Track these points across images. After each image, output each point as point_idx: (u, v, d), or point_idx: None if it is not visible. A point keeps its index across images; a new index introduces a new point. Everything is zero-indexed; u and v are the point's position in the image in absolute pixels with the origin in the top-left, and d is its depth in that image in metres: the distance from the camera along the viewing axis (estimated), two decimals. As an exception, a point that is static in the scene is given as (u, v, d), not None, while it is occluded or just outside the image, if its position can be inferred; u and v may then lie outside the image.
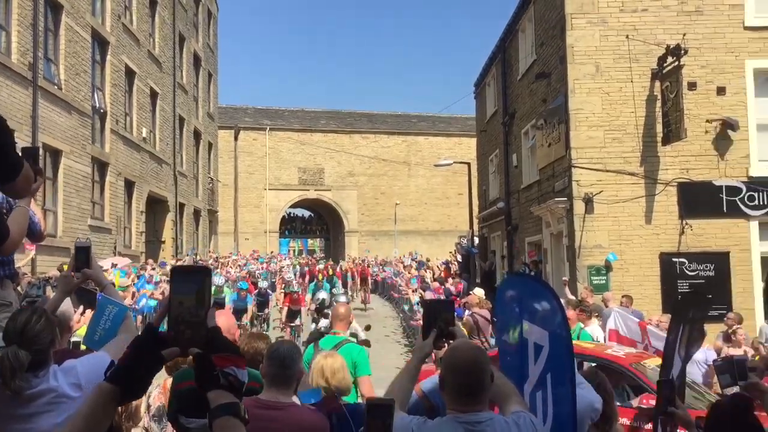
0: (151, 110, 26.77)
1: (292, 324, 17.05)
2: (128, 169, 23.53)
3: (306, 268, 31.23)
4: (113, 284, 3.82)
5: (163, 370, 5.21)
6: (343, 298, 11.04)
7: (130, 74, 24.07)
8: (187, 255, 27.08)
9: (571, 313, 9.81)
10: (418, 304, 18.49)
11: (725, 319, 11.56)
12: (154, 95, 26.82)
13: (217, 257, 30.77)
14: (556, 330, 3.17)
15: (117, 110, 22.72)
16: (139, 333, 1.64)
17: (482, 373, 2.69)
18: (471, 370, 2.68)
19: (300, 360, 3.60)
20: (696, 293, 12.06)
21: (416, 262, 35.10)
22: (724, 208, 14.85)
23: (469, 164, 27.96)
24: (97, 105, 21.35)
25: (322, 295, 12.57)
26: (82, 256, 3.16)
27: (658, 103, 14.93)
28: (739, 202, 14.84)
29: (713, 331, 11.26)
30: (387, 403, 2.36)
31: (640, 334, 9.86)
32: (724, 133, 14.88)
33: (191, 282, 1.54)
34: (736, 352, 9.12)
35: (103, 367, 2.71)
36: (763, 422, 2.87)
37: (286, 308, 17.67)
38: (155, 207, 27.33)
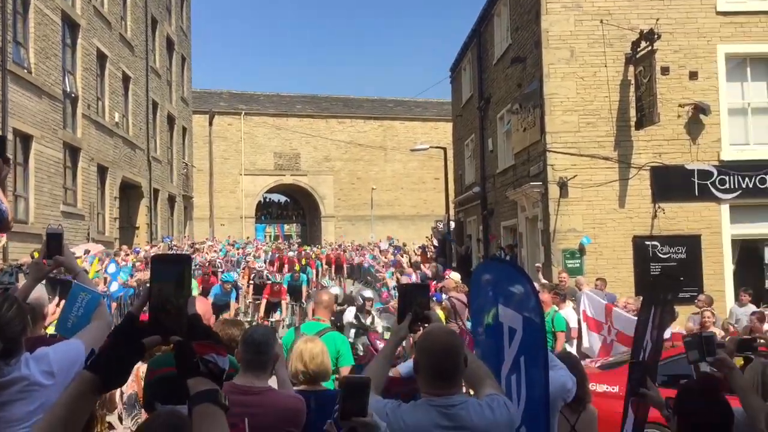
0: (124, 94, 26.39)
1: (271, 320, 15.27)
2: (101, 154, 23.21)
3: (275, 255, 28.40)
4: (86, 271, 3.79)
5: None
6: (369, 293, 10.80)
7: (101, 58, 23.68)
8: (162, 241, 26.83)
9: (546, 297, 9.90)
10: (395, 288, 18.55)
11: (696, 301, 11.77)
12: (126, 79, 26.42)
13: (193, 243, 30.54)
14: (530, 315, 3.20)
15: (89, 95, 22.36)
16: (117, 321, 1.63)
17: (456, 357, 2.71)
18: (445, 354, 2.70)
19: (275, 344, 3.60)
20: (668, 276, 12.31)
21: (393, 247, 35.14)
22: (696, 192, 15.06)
23: (445, 149, 28.01)
24: (68, 89, 20.99)
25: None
26: (54, 242, 3.13)
27: (632, 88, 15.06)
28: (710, 186, 15.07)
29: (684, 313, 11.47)
30: (362, 381, 2.37)
31: (604, 315, 10.02)
32: (696, 118, 15.07)
33: (171, 270, 1.54)
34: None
35: (75, 355, 2.70)
36: (729, 400, 2.93)
37: (264, 301, 15.67)
38: (129, 193, 27.02)
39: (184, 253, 18.19)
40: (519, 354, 3.25)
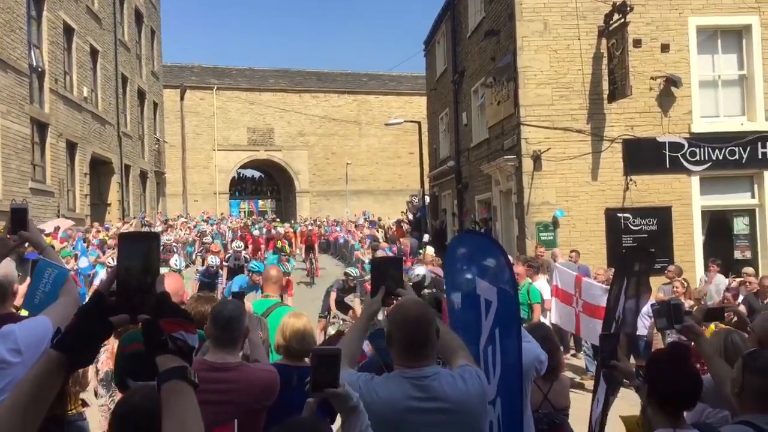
0: (92, 69, 25.87)
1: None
2: (70, 129, 22.79)
3: (238, 234, 26.38)
4: (53, 247, 3.72)
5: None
6: (421, 270, 10.05)
7: (68, 31, 23.15)
8: (134, 218, 26.54)
9: (520, 269, 10.02)
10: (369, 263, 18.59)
11: (666, 272, 11.96)
12: (94, 53, 25.89)
13: (166, 219, 30.27)
14: (505, 286, 3.21)
15: (56, 69, 21.88)
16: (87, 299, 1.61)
17: (427, 329, 2.72)
18: (416, 326, 2.70)
19: (245, 319, 3.57)
20: (639, 248, 12.45)
21: (368, 221, 35.16)
22: (667, 164, 15.22)
23: (419, 123, 27.94)
24: (35, 63, 20.51)
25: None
26: (18, 218, 3.06)
27: (605, 61, 15.10)
28: (681, 158, 15.23)
29: (655, 284, 11.62)
30: (333, 353, 2.37)
31: (574, 287, 10.15)
32: (668, 90, 15.17)
33: (139, 248, 1.53)
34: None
35: (42, 332, 2.66)
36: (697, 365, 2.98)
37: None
38: (99, 169, 26.62)
39: (152, 231, 18.00)
40: (494, 325, 3.28)
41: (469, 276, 3.53)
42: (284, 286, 13.34)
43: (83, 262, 15.25)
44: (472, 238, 3.87)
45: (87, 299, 1.60)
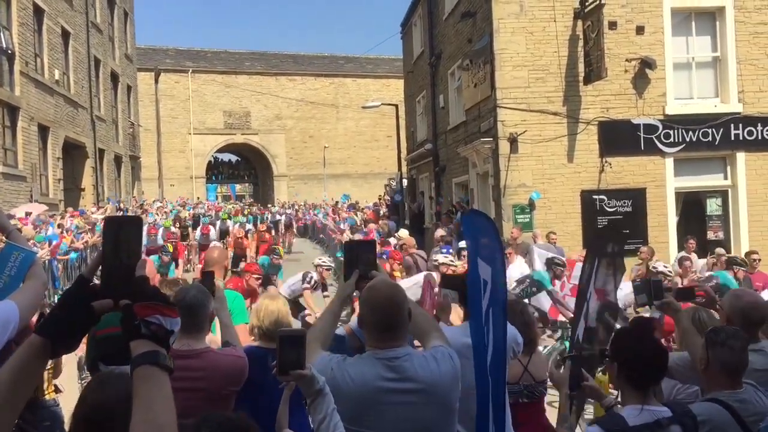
0: (64, 51, 25.41)
1: None
2: (41, 113, 22.42)
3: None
4: (20, 230, 3.66)
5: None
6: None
7: (38, 12, 22.69)
8: (108, 203, 26.24)
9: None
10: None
11: (639, 252, 12.11)
12: (66, 35, 25.42)
13: (141, 204, 29.96)
14: (497, 265, 3.22)
15: (26, 51, 21.46)
16: (65, 284, 1.58)
17: (399, 310, 2.72)
18: (388, 307, 2.71)
19: (209, 303, 3.53)
20: (611, 229, 12.57)
21: (346, 204, 35.12)
22: (642, 146, 15.34)
23: (396, 106, 27.87)
24: (4, 45, 20.07)
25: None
26: None
27: (580, 43, 15.14)
28: (655, 140, 15.36)
29: (629, 264, 11.75)
30: (297, 333, 2.37)
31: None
32: (643, 72, 15.26)
33: (123, 232, 1.50)
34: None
35: (7, 316, 2.61)
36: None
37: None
38: (73, 153, 26.24)
39: (135, 215, 17.78)
40: (489, 305, 3.28)
41: (473, 257, 3.50)
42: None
43: (55, 243, 15.02)
44: (472, 218, 3.75)
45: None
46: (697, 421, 2.83)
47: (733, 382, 3.07)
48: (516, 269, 10.80)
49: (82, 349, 5.07)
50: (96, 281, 1.51)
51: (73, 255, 15.79)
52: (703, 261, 12.44)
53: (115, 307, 1.47)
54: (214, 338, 4.02)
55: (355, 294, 3.48)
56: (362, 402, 2.59)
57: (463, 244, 11.46)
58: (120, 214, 23.06)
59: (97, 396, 1.90)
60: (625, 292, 7.02)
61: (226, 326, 3.74)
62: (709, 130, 15.38)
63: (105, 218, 1.56)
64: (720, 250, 12.12)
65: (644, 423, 2.70)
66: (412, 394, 2.63)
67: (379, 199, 33.42)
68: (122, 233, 1.50)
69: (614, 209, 15.30)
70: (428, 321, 3.14)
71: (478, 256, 3.17)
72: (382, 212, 28.59)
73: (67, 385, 5.31)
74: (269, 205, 38.69)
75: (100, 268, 1.51)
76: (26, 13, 21.57)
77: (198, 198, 40.18)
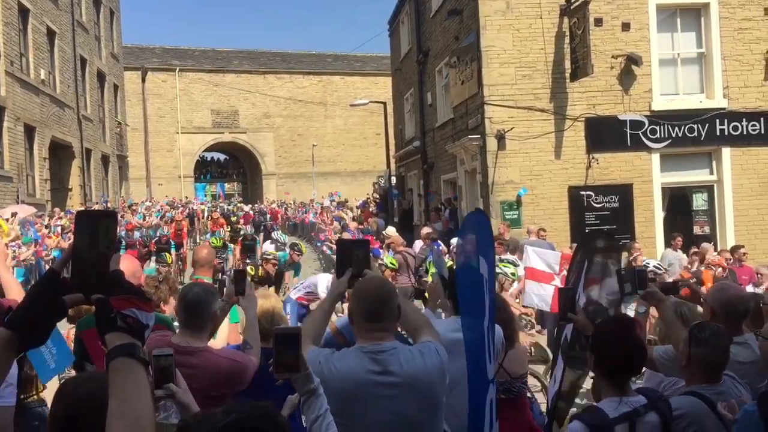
0: (49, 50, 25.24)
1: None
2: (27, 113, 22.27)
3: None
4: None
5: (66, 319, 5.08)
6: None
7: (23, 12, 22.53)
8: (97, 203, 26.09)
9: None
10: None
11: (628, 248, 12.17)
12: (51, 34, 25.25)
13: (130, 204, 29.82)
14: (491, 259, 3.26)
15: (11, 51, 21.31)
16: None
17: (387, 304, 2.75)
18: (376, 301, 2.73)
19: (214, 303, 3.51)
20: (601, 231, 12.61)
21: (335, 203, 35.08)
22: (628, 142, 15.43)
23: (385, 104, 27.83)
24: (-12, 45, 19.96)
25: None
26: None
27: (567, 40, 15.19)
28: (642, 136, 15.45)
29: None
30: (294, 331, 2.38)
31: (559, 265, 10.00)
32: (629, 69, 15.34)
33: (95, 227, 1.49)
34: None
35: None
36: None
37: None
38: (60, 153, 26.08)
39: (110, 209, 17.74)
40: (489, 301, 3.31)
41: (476, 256, 3.52)
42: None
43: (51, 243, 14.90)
44: (474, 216, 3.73)
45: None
46: (669, 405, 2.89)
47: (713, 377, 3.11)
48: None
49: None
50: (67, 275, 1.50)
51: (56, 253, 15.69)
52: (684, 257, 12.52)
53: (86, 300, 1.47)
54: (213, 343, 3.99)
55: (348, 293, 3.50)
56: (347, 395, 2.62)
57: (455, 240, 11.49)
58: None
59: (76, 393, 1.91)
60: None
61: (251, 326, 3.68)
62: (695, 126, 15.49)
63: (78, 212, 1.56)
64: (705, 245, 12.22)
65: (624, 413, 2.75)
66: (396, 388, 2.65)
67: (368, 195, 33.40)
68: (97, 227, 1.49)
69: (601, 205, 15.38)
70: (420, 317, 3.16)
71: (480, 254, 3.20)
72: (371, 210, 28.58)
73: (49, 384, 5.28)
74: (256, 203, 38.58)
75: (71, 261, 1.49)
76: (11, 12, 21.42)
77: (186, 197, 40.01)
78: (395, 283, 10.97)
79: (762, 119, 15.58)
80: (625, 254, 11.83)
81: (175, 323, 3.95)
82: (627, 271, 3.88)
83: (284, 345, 2.30)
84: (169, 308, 4.54)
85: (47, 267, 15.04)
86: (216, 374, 3.27)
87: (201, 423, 1.49)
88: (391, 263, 10.83)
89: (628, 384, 2.89)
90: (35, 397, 4.94)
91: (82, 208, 21.35)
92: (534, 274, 10.45)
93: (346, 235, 18.61)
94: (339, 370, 2.65)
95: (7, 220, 13.73)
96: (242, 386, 3.33)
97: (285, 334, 2.35)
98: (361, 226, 23.32)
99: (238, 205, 36.36)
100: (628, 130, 15.37)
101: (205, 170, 50.49)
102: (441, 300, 4.24)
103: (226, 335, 4.66)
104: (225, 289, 3.91)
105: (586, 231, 14.23)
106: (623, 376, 2.88)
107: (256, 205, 36.07)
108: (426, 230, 13.99)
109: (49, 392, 5.21)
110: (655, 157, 15.58)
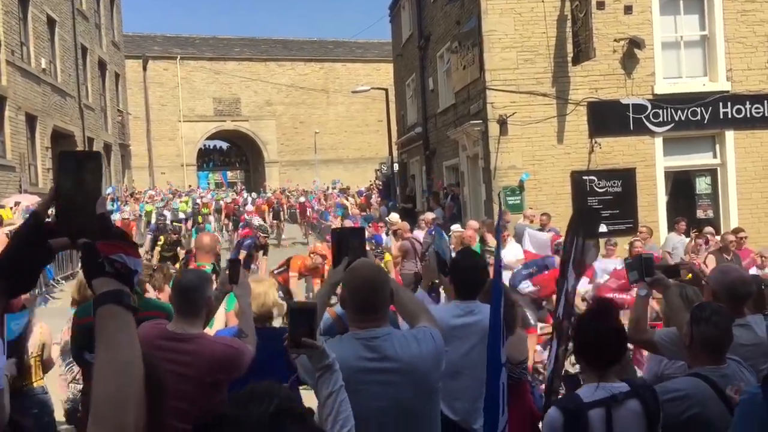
0: (50, 39, 25.15)
1: None
2: (29, 102, 22.23)
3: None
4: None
5: (71, 305, 5.07)
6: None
7: (23, 0, 22.44)
8: (105, 193, 26.07)
9: (470, 232, 10.18)
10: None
11: (638, 231, 12.21)
12: (51, 23, 25.15)
13: (132, 192, 29.83)
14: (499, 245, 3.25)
15: (12, 40, 21.24)
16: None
17: (380, 290, 2.73)
18: (368, 287, 2.72)
19: (207, 288, 3.51)
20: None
21: (338, 189, 35.06)
22: (631, 126, 15.34)
23: (386, 90, 27.75)
24: (-11, 34, 19.89)
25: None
26: None
27: (569, 23, 15.07)
28: (644, 120, 15.36)
29: (624, 243, 11.78)
30: (310, 307, 2.36)
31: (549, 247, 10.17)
32: (631, 52, 15.22)
33: (80, 169, 1.43)
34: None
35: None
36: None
37: None
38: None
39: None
40: (500, 285, 3.33)
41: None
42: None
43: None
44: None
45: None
46: (656, 394, 2.87)
47: (717, 358, 3.09)
48: (510, 253, 10.81)
49: (67, 334, 5.07)
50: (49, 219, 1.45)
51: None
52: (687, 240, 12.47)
53: (73, 245, 1.42)
54: (210, 331, 3.98)
55: None
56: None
57: (456, 227, 11.69)
58: (113, 205, 23.04)
59: None
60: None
61: (244, 314, 3.68)
62: (698, 109, 15.38)
63: (60, 152, 1.50)
64: (708, 229, 12.18)
65: (599, 399, 2.74)
66: (390, 374, 2.64)
67: (371, 182, 33.38)
68: (83, 169, 1.43)
69: (604, 189, 15.31)
70: (416, 303, 3.14)
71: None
72: (373, 197, 28.54)
73: (50, 373, 5.29)
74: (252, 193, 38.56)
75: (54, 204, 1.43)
76: (11, 1, 21.33)
77: (189, 186, 40.03)
78: (402, 269, 11.04)
79: (766, 102, 15.46)
80: (628, 238, 11.84)
81: None
82: (634, 259, 3.90)
83: (299, 320, 2.28)
84: (164, 296, 4.54)
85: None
86: (212, 360, 3.26)
87: (249, 411, 1.33)
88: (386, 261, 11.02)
89: (608, 370, 2.87)
90: (36, 383, 4.95)
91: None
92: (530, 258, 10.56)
93: (348, 223, 18.60)
94: None
95: (11, 208, 13.73)
96: (239, 373, 3.31)
97: (300, 309, 2.32)
98: (363, 213, 23.32)
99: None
100: (631, 114, 15.28)
101: (207, 158, 50.48)
102: (443, 284, 4.23)
103: (222, 324, 4.66)
104: (219, 278, 3.90)
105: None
106: (601, 362, 2.87)
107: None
108: (430, 215, 13.98)
109: (50, 381, 5.24)
110: (658, 141, 15.49)
